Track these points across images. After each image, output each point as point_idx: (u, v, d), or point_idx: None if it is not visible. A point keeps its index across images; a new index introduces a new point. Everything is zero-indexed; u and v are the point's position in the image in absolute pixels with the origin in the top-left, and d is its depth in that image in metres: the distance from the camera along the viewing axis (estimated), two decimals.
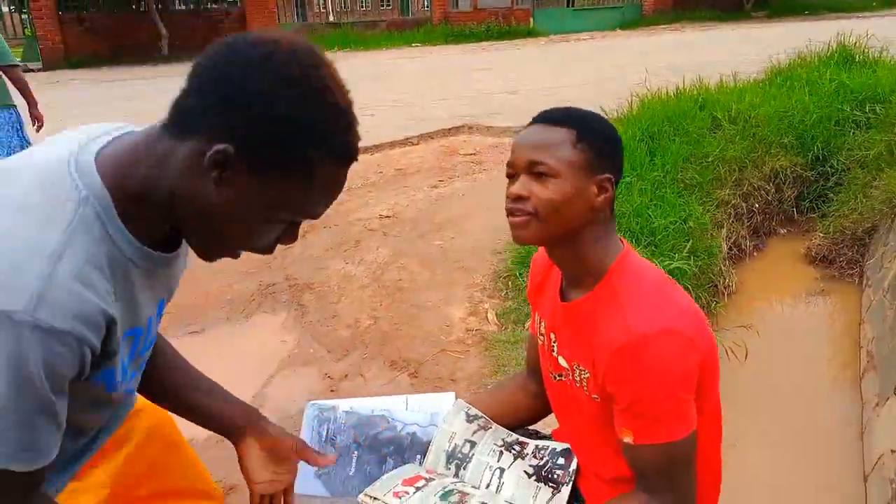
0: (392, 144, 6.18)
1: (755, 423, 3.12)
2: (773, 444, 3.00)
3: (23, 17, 15.00)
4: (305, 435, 1.31)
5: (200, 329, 3.17)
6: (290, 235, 0.88)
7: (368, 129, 6.81)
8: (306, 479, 1.27)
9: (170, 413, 1.23)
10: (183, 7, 16.19)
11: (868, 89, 5.69)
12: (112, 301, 0.81)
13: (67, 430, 0.84)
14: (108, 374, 0.87)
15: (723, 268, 4.21)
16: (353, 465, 1.28)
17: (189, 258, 1.03)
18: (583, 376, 1.10)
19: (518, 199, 1.06)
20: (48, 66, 14.09)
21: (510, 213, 1.08)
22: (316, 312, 3.27)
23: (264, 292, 3.51)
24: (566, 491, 1.16)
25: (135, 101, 9.15)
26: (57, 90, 10.65)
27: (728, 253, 4.51)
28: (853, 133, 5.37)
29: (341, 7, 20.30)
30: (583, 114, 1.12)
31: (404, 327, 3.03)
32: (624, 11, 19.11)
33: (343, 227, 4.27)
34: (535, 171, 1.06)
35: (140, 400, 1.19)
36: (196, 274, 3.47)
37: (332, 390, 2.63)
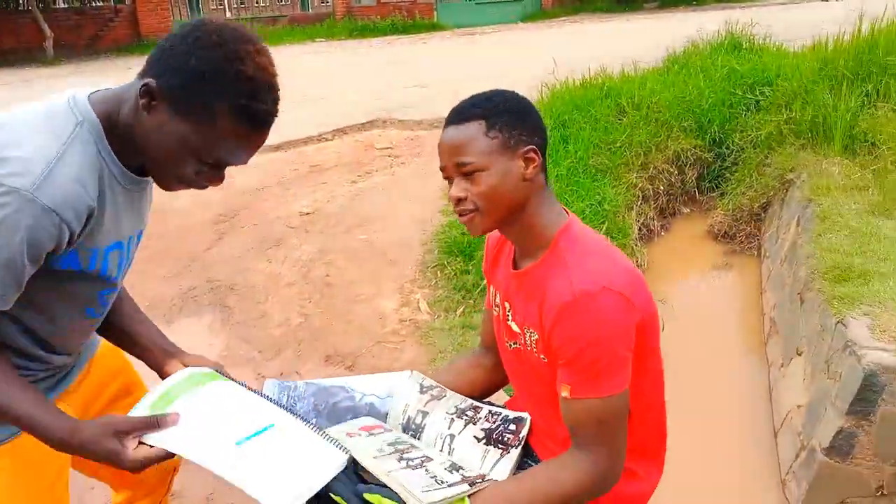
0: (306, 141, 6.08)
1: (672, 390, 3.30)
2: (690, 409, 3.16)
3: None
4: None
5: None
6: (213, 177, 1.08)
7: (277, 126, 6.71)
8: None
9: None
10: (67, 5, 15.26)
11: (756, 74, 6.07)
12: (96, 204, 1.04)
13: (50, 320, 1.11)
14: (74, 263, 1.07)
15: (634, 247, 4.42)
16: None
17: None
18: (532, 338, 1.17)
19: (459, 201, 1.15)
20: None
21: (458, 214, 1.16)
22: (242, 313, 3.20)
23: (185, 296, 3.40)
24: (515, 453, 1.22)
25: (10, 105, 8.56)
26: None
27: (638, 233, 4.73)
28: (745, 115, 5.72)
29: (238, 3, 19.69)
30: (486, 98, 1.18)
31: (337, 322, 3.02)
32: (525, 4, 19.51)
33: (262, 226, 4.18)
34: (464, 171, 1.13)
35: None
36: None
37: None
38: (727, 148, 5.61)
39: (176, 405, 1.08)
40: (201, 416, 1.07)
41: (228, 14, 17.56)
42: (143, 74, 1.04)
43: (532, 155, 1.14)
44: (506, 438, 1.24)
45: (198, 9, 18.33)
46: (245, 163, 1.09)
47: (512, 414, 1.30)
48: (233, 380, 1.21)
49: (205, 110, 1.00)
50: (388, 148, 5.87)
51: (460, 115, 1.16)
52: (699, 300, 4.48)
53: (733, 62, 6.43)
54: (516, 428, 1.26)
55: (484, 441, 1.24)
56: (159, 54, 1.02)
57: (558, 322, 1.08)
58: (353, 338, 2.90)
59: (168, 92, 1.00)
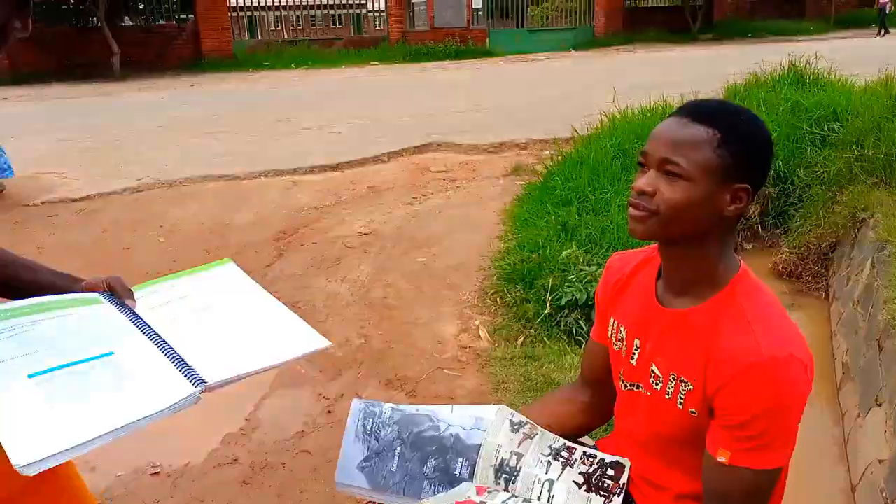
0: (362, 162, 6.13)
1: None
2: None
3: None
4: (350, 427, 1.28)
5: None
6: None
7: (336, 147, 6.73)
8: (348, 471, 1.26)
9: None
10: (133, 23, 15.84)
11: (822, 108, 5.91)
12: None
13: None
14: None
15: None
16: (395, 461, 1.26)
17: None
18: (683, 389, 1.07)
19: (642, 193, 1.02)
20: None
21: (631, 205, 1.04)
22: None
23: None
24: (618, 501, 1.15)
25: (79, 117, 8.87)
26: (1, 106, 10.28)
27: None
28: (811, 150, 5.57)
29: (294, 24, 20.18)
30: (733, 112, 1.04)
31: (396, 345, 2.99)
32: (577, 33, 19.54)
33: (322, 245, 4.20)
34: (667, 170, 1.01)
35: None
36: None
37: (328, 411, 2.56)
38: (792, 183, 5.46)
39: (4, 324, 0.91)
40: (16, 340, 0.89)
41: (286, 35, 17.98)
42: None
43: (742, 195, 1.01)
44: (606, 484, 1.18)
45: (256, 29, 18.85)
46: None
47: (609, 458, 1.23)
48: (119, 306, 1.01)
49: None
50: (443, 171, 5.87)
51: (699, 112, 1.02)
52: None
53: (797, 95, 6.29)
54: (615, 473, 1.19)
55: (584, 487, 1.18)
56: None
57: (735, 383, 0.98)
58: (414, 362, 2.86)
59: None
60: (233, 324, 1.03)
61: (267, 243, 4.21)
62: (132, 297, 1.03)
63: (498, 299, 3.37)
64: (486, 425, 1.29)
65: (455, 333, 3.09)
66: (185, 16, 16.02)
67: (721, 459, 1.01)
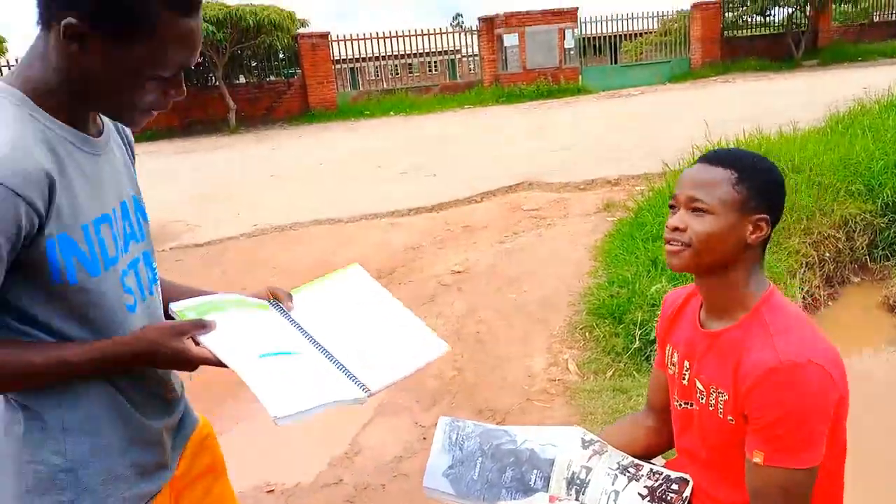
0: (457, 203, 6.39)
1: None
2: (858, 495, 2.94)
3: None
4: (437, 439, 1.46)
5: None
6: (176, 89, 1.02)
7: (432, 189, 7.02)
8: (435, 477, 1.42)
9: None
10: (247, 80, 17.14)
11: None
12: (56, 170, 0.93)
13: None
14: (76, 251, 0.97)
15: None
16: (477, 469, 1.41)
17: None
18: (720, 399, 1.20)
19: (675, 230, 1.19)
20: None
21: (667, 241, 1.21)
22: None
23: None
24: None
25: (200, 170, 9.70)
26: None
27: (802, 302, 4.48)
28: None
29: (393, 74, 21.11)
30: (745, 155, 1.23)
31: (488, 377, 3.14)
32: (672, 65, 19.32)
33: (418, 283, 4.44)
34: (693, 207, 1.18)
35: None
36: None
37: (423, 437, 2.73)
38: None
39: (217, 315, 1.11)
40: (237, 328, 1.11)
41: (385, 85, 18.85)
42: (48, 19, 0.92)
43: (762, 224, 1.18)
44: (669, 497, 1.28)
45: (357, 80, 19.86)
46: (196, 56, 1.00)
47: (674, 474, 1.33)
48: (285, 314, 1.23)
49: (142, 23, 0.91)
50: (535, 210, 6.02)
51: (717, 158, 1.21)
52: (871, 376, 4.14)
53: None
54: (679, 488, 1.30)
55: (648, 499, 1.29)
56: None
57: (759, 387, 1.10)
58: (505, 394, 2.99)
59: (95, 22, 0.90)
60: (374, 331, 1.26)
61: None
62: (291, 300, 1.24)
63: (587, 333, 3.46)
64: (560, 442, 1.43)
65: (544, 367, 3.21)
66: (293, 70, 17.16)
67: (756, 461, 1.12)
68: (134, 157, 1.22)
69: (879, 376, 4.14)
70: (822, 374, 1.08)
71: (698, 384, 1.25)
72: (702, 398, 1.24)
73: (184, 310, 1.13)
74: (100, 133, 1.07)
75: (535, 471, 1.41)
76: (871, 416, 3.57)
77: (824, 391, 1.08)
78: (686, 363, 1.29)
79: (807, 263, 4.81)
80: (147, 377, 1.12)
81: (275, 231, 5.82)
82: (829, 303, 4.84)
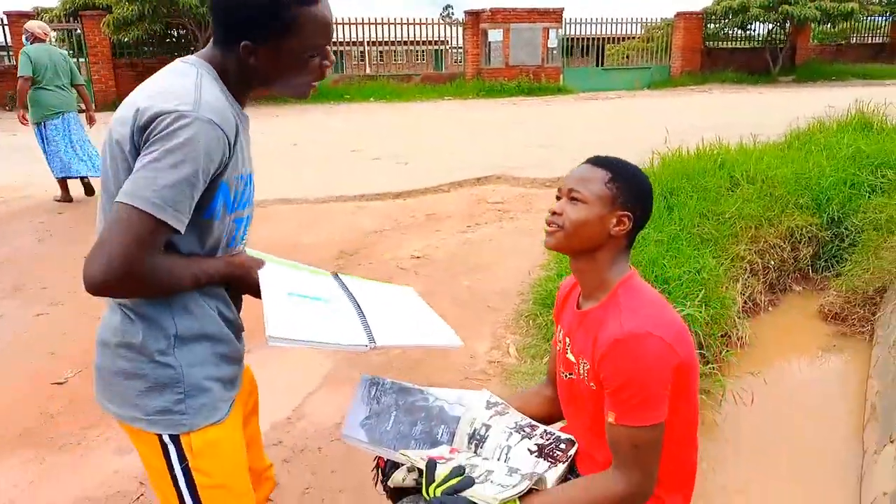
0: (425, 191, 6.52)
1: (761, 467, 3.29)
2: (776, 487, 3.15)
3: (80, 60, 15.94)
4: (358, 393, 1.61)
5: (248, 350, 3.45)
6: (326, 59, 1.30)
7: (402, 176, 7.15)
8: (353, 426, 1.56)
9: None
10: None
11: (884, 155, 5.91)
12: (235, 131, 1.22)
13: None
14: (227, 195, 1.25)
15: (736, 320, 4.41)
16: (391, 422, 1.56)
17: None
18: (585, 368, 1.38)
19: (554, 213, 1.40)
20: (101, 108, 14.90)
21: (547, 223, 1.42)
22: None
23: None
24: (562, 467, 1.41)
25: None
26: (105, 131, 11.27)
27: (743, 306, 4.70)
28: (868, 197, 5.58)
29: (377, 60, 21.12)
30: (623, 163, 1.45)
31: (431, 357, 3.29)
32: (653, 72, 19.64)
33: (377, 265, 4.57)
34: (572, 197, 1.38)
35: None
36: (248, 302, 3.77)
37: None
38: (846, 228, 5.48)
39: (281, 265, 1.42)
40: (288, 274, 1.39)
41: (368, 70, 18.88)
42: (226, 42, 1.24)
43: (625, 220, 1.38)
44: (556, 454, 1.44)
45: (341, 65, 19.83)
46: (332, 30, 1.29)
47: (564, 435, 1.50)
48: (338, 280, 1.51)
49: (290, 26, 1.20)
50: (499, 202, 6.18)
51: (599, 161, 1.43)
52: (800, 380, 4.37)
53: (860, 142, 6.29)
54: (565, 447, 1.46)
55: (536, 454, 1.45)
56: (227, 18, 1.23)
57: (607, 356, 1.29)
58: (445, 373, 3.15)
59: (262, 39, 1.21)
60: (404, 311, 1.52)
61: (327, 262, 4.61)
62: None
63: (531, 321, 3.63)
64: (467, 402, 1.59)
65: (487, 350, 3.37)
66: None
67: (610, 420, 1.30)
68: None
69: (809, 380, 4.38)
70: (660, 343, 1.26)
71: (571, 356, 1.44)
72: (576, 369, 1.42)
73: (260, 254, 1.44)
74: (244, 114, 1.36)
75: (442, 426, 1.56)
76: (796, 411, 3.80)
77: (662, 358, 1.26)
78: (567, 339, 1.47)
79: (751, 270, 5.04)
80: (236, 306, 1.43)
81: None
82: (770, 308, 5.07)
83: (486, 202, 6.24)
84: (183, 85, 1.18)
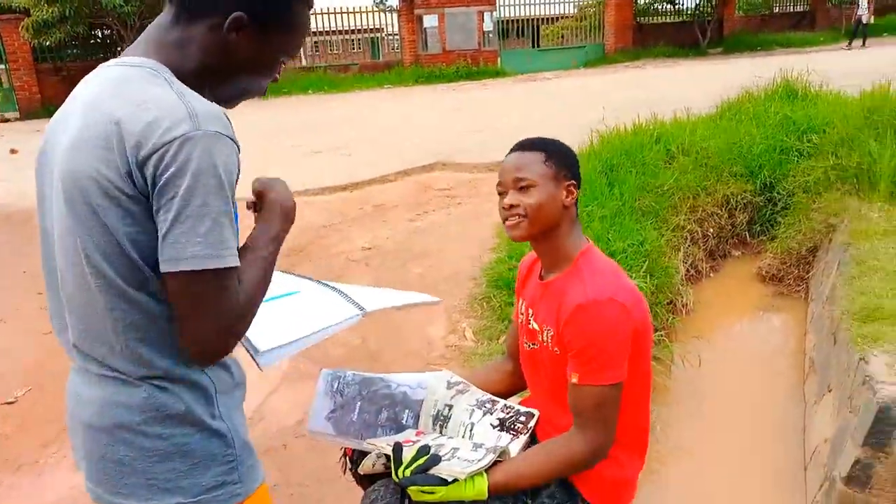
0: (370, 182, 6.51)
1: (710, 426, 3.45)
2: (725, 445, 3.32)
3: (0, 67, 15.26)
4: (320, 387, 1.62)
5: None
6: (279, 73, 1.18)
7: (346, 169, 7.10)
8: (318, 420, 1.59)
9: None
10: None
11: (809, 121, 6.18)
12: None
13: None
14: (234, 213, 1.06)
15: (680, 287, 4.58)
16: (356, 412, 1.59)
17: None
18: (549, 335, 1.45)
19: (511, 207, 1.44)
20: (26, 116, 14.34)
21: (505, 218, 1.46)
22: None
23: None
24: (524, 438, 1.48)
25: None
26: (35, 138, 10.84)
27: (686, 274, 4.88)
28: (797, 161, 5.83)
29: (312, 51, 20.84)
30: (546, 140, 1.51)
31: (390, 346, 3.32)
32: (587, 51, 19.92)
33: (328, 260, 4.57)
34: (520, 186, 1.43)
35: None
36: None
37: None
38: (778, 193, 5.72)
39: None
40: None
41: (304, 62, 18.61)
42: (198, 14, 1.04)
43: (572, 189, 1.46)
44: (517, 427, 1.50)
45: None
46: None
47: (524, 409, 1.56)
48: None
49: (288, 16, 1.09)
50: (446, 189, 6.23)
51: (525, 145, 1.48)
52: (743, 340, 4.58)
53: (787, 109, 6.56)
54: (525, 419, 1.52)
55: (498, 428, 1.51)
56: None
57: (571, 320, 1.36)
58: (405, 360, 3.19)
59: (256, 16, 1.04)
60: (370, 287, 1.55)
61: (277, 259, 4.58)
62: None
63: (485, 304, 3.69)
64: (429, 384, 1.63)
65: (443, 335, 3.42)
66: None
67: (573, 381, 1.37)
68: None
69: (751, 339, 4.59)
70: (620, 308, 1.34)
71: (535, 325, 1.50)
72: (540, 336, 1.48)
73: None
74: None
75: (406, 411, 1.60)
76: (741, 370, 3.99)
77: (622, 322, 1.34)
78: (530, 311, 1.53)
79: (692, 238, 5.23)
80: None
81: None
82: (711, 274, 5.28)
83: (433, 189, 6.27)
84: (160, 97, 0.97)
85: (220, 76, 1.09)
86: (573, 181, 1.47)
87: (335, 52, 25.24)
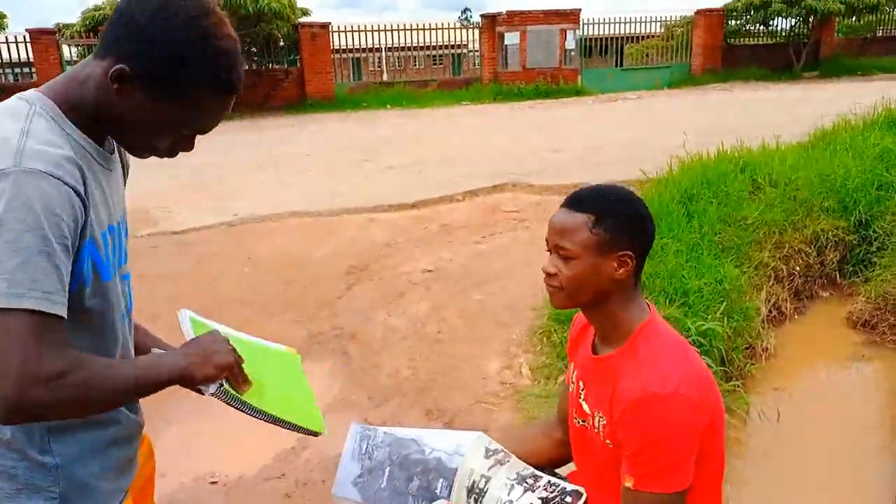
0: (438, 201, 6.43)
1: (790, 483, 3.14)
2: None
3: None
4: (348, 448, 1.49)
5: None
6: (186, 145, 1.10)
7: (416, 186, 7.06)
8: (344, 485, 1.46)
9: None
10: (246, 66, 17.14)
11: None
12: (84, 181, 0.99)
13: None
14: (96, 255, 1.03)
15: (761, 330, 4.25)
16: (385, 478, 1.45)
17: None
18: (601, 423, 1.26)
19: (549, 275, 1.28)
20: None
21: (546, 283, 1.30)
22: (359, 361, 3.45)
23: (311, 340, 3.72)
24: None
25: (188, 155, 9.69)
26: None
27: (767, 315, 4.54)
28: None
29: (395, 66, 21.12)
30: (606, 195, 1.28)
31: (441, 378, 3.19)
32: (673, 70, 19.34)
33: (388, 281, 4.48)
34: (559, 253, 1.25)
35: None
36: (252, 322, 3.72)
37: None
38: (874, 231, 5.28)
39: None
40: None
41: (385, 77, 18.87)
42: (105, 53, 1.01)
43: (626, 259, 1.24)
44: None
45: (359, 73, 19.86)
46: (218, 123, 1.10)
47: (570, 486, 1.38)
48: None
49: (186, 92, 1.00)
50: (514, 211, 6.07)
51: (575, 203, 1.27)
52: (828, 391, 4.20)
53: (888, 141, 6.08)
54: (571, 500, 1.34)
55: None
56: (125, 32, 0.99)
57: (626, 416, 1.16)
58: (455, 394, 3.04)
59: (144, 77, 0.98)
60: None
61: (338, 277, 4.54)
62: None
63: (545, 339, 3.51)
64: (465, 451, 1.47)
65: (498, 370, 3.26)
66: (293, 57, 17.15)
67: (628, 485, 1.18)
68: (127, 179, 1.28)
69: (838, 392, 4.20)
70: (686, 403, 1.13)
71: (587, 407, 1.32)
72: (591, 421, 1.30)
73: (204, 322, 1.25)
74: (112, 151, 1.14)
75: (441, 479, 1.45)
76: (825, 425, 3.64)
77: (689, 420, 1.14)
78: (581, 383, 1.35)
79: (776, 277, 4.87)
80: None
81: (254, 221, 5.86)
82: (796, 316, 4.90)
83: (501, 211, 6.12)
84: (3, 134, 0.95)
85: (115, 123, 1.05)
86: (628, 251, 1.24)
87: (416, 67, 25.56)
